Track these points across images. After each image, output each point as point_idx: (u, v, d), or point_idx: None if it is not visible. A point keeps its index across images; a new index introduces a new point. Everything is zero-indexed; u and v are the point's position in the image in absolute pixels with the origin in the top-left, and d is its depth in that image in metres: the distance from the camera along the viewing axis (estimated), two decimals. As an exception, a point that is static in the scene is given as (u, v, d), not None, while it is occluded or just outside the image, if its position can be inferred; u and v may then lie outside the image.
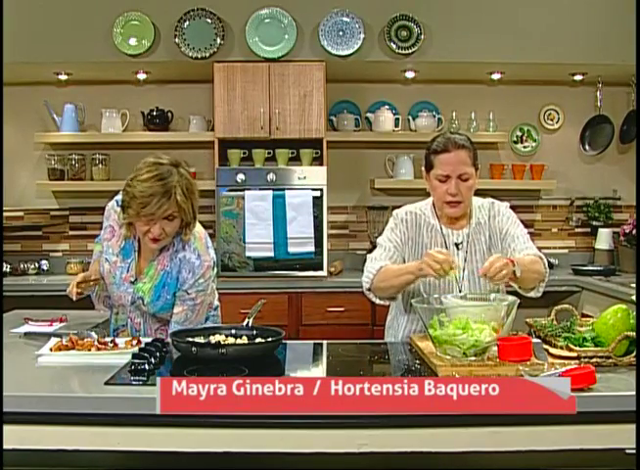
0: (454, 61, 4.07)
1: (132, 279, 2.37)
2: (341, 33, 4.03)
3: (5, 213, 4.18)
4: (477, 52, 4.03)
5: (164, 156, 2.28)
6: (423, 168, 2.49)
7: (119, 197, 2.34)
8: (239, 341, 2.11)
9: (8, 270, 4.26)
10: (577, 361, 1.92)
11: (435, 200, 2.47)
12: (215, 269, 2.46)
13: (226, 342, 2.07)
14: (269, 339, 2.11)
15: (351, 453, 1.68)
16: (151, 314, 2.40)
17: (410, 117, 4.54)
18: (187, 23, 4.00)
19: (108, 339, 2.16)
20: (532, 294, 2.43)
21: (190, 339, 2.05)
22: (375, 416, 1.64)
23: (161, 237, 2.25)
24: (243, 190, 4.01)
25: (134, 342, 2.14)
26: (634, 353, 1.94)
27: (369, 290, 2.45)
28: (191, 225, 2.31)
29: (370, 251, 4.37)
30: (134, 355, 1.94)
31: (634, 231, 4.29)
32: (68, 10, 3.97)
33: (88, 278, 2.41)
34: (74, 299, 2.39)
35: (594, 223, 4.64)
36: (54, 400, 1.70)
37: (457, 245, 2.46)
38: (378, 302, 2.48)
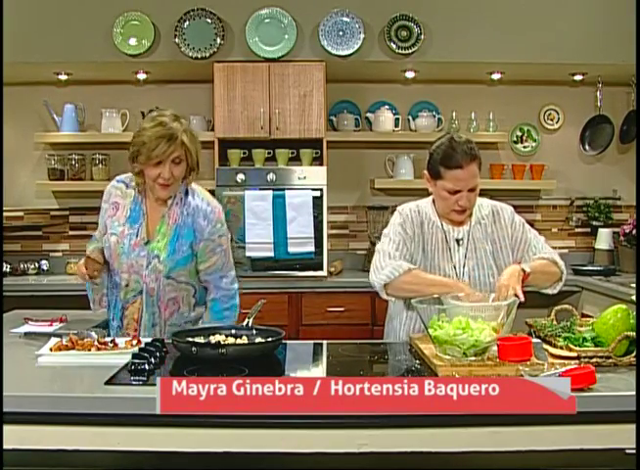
0: (454, 61, 4.08)
1: (144, 242, 2.41)
2: (341, 33, 4.03)
3: (5, 213, 4.18)
4: (477, 52, 4.03)
5: (169, 111, 2.42)
6: (426, 172, 2.47)
7: (117, 179, 2.53)
8: (239, 341, 2.11)
9: (8, 270, 4.26)
10: (577, 361, 1.92)
11: (442, 206, 2.46)
12: None
13: (226, 342, 2.07)
14: (269, 339, 2.11)
15: (351, 453, 1.68)
16: (166, 277, 2.42)
17: (410, 117, 4.54)
18: (187, 23, 4.00)
19: (108, 339, 2.16)
20: (549, 291, 2.51)
21: (190, 339, 2.05)
22: (375, 416, 1.64)
23: (170, 181, 2.36)
24: (243, 190, 4.01)
25: (134, 342, 2.14)
26: (634, 353, 1.94)
27: (385, 285, 2.39)
28: (194, 172, 2.43)
29: (369, 250, 4.42)
30: (134, 355, 1.94)
31: (634, 231, 4.29)
32: (68, 10, 3.98)
33: (91, 256, 2.42)
34: (87, 279, 2.42)
35: (594, 223, 4.64)
36: (54, 400, 1.70)
37: (458, 241, 2.48)
38: (385, 297, 2.46)
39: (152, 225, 2.44)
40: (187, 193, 2.46)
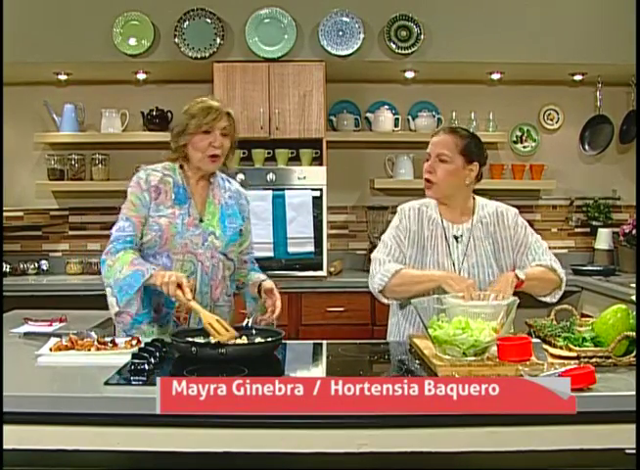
0: (454, 61, 4.08)
1: (198, 220, 2.43)
2: (340, 33, 4.03)
3: (5, 213, 4.17)
4: (477, 52, 4.03)
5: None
6: None
7: (148, 168, 2.48)
8: (239, 341, 2.11)
9: (8, 270, 4.26)
10: (577, 361, 1.92)
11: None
12: None
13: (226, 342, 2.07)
14: (269, 339, 2.11)
15: (351, 453, 1.68)
16: (221, 254, 2.46)
17: (410, 117, 4.54)
18: (187, 23, 4.00)
19: (108, 339, 2.16)
20: (547, 299, 2.54)
21: (190, 339, 2.05)
22: (375, 416, 1.64)
23: (220, 152, 2.43)
24: (243, 190, 4.00)
25: (134, 342, 2.14)
26: (634, 353, 1.94)
27: (381, 292, 2.47)
28: (233, 150, 2.52)
29: (370, 251, 4.42)
30: (134, 355, 1.94)
31: (634, 231, 4.29)
32: (68, 10, 3.97)
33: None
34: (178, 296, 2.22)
35: (594, 223, 4.64)
36: (54, 400, 1.70)
37: (456, 238, 2.51)
38: (386, 302, 2.52)
39: (200, 205, 2.47)
40: (222, 178, 2.58)
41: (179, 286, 2.20)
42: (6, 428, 1.65)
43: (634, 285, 3.55)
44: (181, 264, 2.40)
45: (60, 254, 4.55)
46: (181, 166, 2.48)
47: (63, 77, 4.31)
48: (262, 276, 2.64)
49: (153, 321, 2.41)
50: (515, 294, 2.28)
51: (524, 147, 4.69)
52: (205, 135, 2.40)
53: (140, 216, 2.40)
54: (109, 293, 2.33)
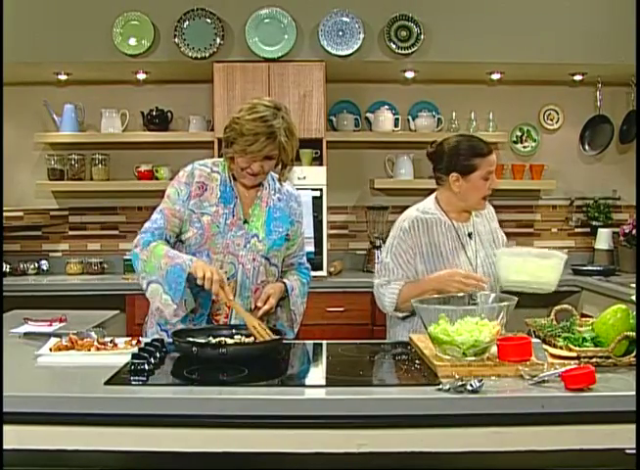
0: (454, 61, 4.08)
1: (242, 221, 2.38)
2: (340, 33, 4.03)
3: (5, 213, 4.17)
4: (477, 52, 4.03)
5: (268, 98, 2.38)
6: (456, 175, 2.51)
7: (197, 162, 2.42)
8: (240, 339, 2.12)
9: (8, 270, 4.27)
10: (577, 361, 1.92)
11: (474, 198, 2.55)
12: None
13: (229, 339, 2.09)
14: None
15: (351, 453, 1.68)
16: (263, 257, 2.39)
17: (410, 118, 4.54)
18: (187, 23, 4.00)
19: (107, 339, 2.16)
20: None
21: (191, 339, 2.06)
22: (375, 416, 1.64)
23: (259, 173, 2.33)
24: (243, 190, 4.00)
25: (134, 342, 2.14)
26: (634, 353, 1.94)
27: (395, 310, 2.54)
28: (288, 167, 2.40)
29: (369, 251, 4.43)
30: (134, 355, 1.94)
31: (634, 231, 4.29)
32: (68, 10, 3.98)
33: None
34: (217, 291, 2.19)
35: (594, 223, 4.64)
36: (54, 400, 1.70)
37: (469, 235, 2.59)
38: (402, 315, 2.57)
39: (245, 206, 2.41)
40: (272, 179, 2.48)
41: (221, 285, 2.18)
42: (6, 428, 1.65)
43: (634, 285, 3.55)
44: (221, 265, 2.34)
45: (60, 254, 4.55)
46: (232, 160, 2.36)
47: (63, 77, 4.31)
48: (292, 277, 2.52)
49: (188, 320, 2.36)
50: (514, 294, 2.27)
51: (524, 147, 4.69)
52: (247, 160, 2.30)
53: (173, 209, 2.35)
54: (152, 290, 2.27)
